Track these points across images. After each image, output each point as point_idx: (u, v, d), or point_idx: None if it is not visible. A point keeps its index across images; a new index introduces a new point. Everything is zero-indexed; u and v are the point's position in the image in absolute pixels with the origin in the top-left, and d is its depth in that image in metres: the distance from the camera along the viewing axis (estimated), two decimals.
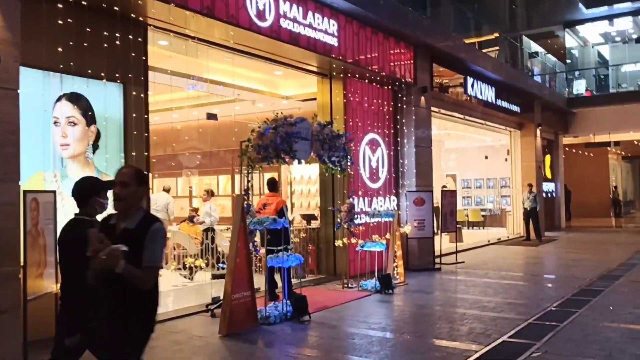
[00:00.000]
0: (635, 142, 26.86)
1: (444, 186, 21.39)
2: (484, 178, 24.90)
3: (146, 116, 7.57)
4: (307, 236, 10.97)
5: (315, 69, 10.72)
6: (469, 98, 15.29)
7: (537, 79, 23.60)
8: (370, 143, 11.57)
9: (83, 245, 3.08)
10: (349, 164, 9.58)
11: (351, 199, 9.81)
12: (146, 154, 7.51)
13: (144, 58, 7.62)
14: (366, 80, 11.46)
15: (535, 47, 26.83)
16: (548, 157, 23.46)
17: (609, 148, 28.54)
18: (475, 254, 14.97)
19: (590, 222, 25.92)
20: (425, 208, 12.07)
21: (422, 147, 12.59)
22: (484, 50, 18.20)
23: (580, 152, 29.46)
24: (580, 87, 25.64)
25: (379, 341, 6.41)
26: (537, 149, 20.16)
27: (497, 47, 22.94)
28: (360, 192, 11.08)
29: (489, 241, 17.57)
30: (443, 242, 13.52)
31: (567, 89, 25.48)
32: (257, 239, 8.25)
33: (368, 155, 11.51)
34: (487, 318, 7.43)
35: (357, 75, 11.09)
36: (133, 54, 7.42)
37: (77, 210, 3.91)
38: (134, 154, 7.37)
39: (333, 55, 9.90)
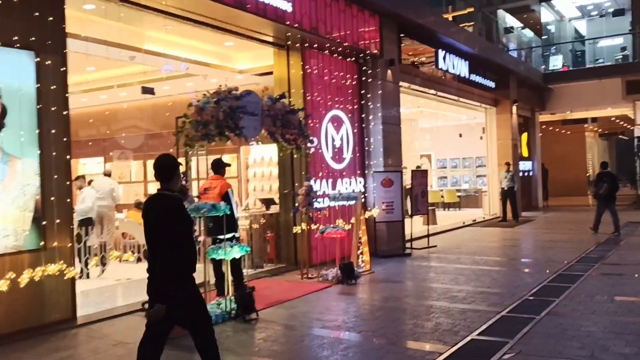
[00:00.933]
0: (613, 119, 26.38)
1: (418, 166, 20.70)
2: (459, 158, 24.27)
3: (65, 90, 6.58)
4: (266, 222, 10.10)
5: (270, 39, 9.77)
6: (441, 73, 14.45)
7: (513, 54, 22.90)
8: (333, 120, 10.69)
9: (169, 218, 3.72)
10: (308, 142, 8.71)
11: (309, 181, 8.94)
12: (65, 137, 6.53)
13: (62, 25, 6.61)
14: (327, 52, 10.55)
15: (511, 21, 26.10)
16: (525, 135, 22.83)
17: (585, 125, 28.10)
18: (449, 237, 14.27)
19: (568, 201, 25.46)
20: (393, 190, 11.27)
21: (390, 125, 11.76)
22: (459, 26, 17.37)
23: (558, 129, 28.98)
24: (556, 62, 25.02)
25: (330, 344, 5.59)
26: (513, 127, 19.47)
27: (472, 23, 22.16)
28: (321, 174, 10.22)
29: (463, 223, 16.90)
30: (416, 225, 12.78)
31: (543, 65, 24.84)
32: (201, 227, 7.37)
33: (331, 134, 10.63)
34: (456, 311, 6.66)
35: (316, 46, 10.17)
36: (50, 19, 6.43)
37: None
38: (53, 131, 6.40)
39: (287, 23, 8.95)
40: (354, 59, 11.25)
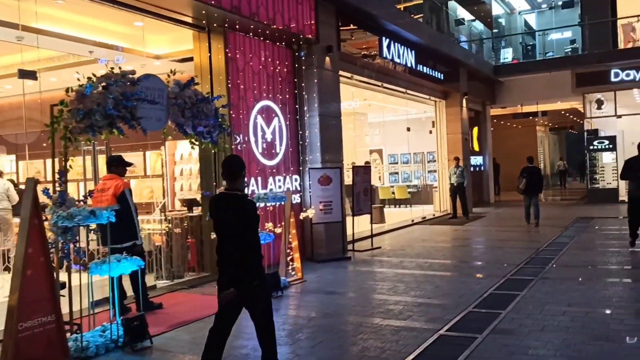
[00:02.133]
0: (563, 112, 26.20)
1: (367, 162, 19.88)
2: (410, 153, 23.61)
3: None
4: (188, 226, 9.00)
5: (189, 20, 8.65)
6: (388, 63, 13.56)
7: (464, 46, 22.31)
8: (263, 111, 9.66)
9: (245, 216, 4.12)
10: (230, 136, 7.66)
11: None
12: None
13: None
14: (255, 36, 9.49)
15: (462, 13, 25.55)
16: (476, 130, 22.30)
17: (536, 119, 27.90)
18: (395, 237, 13.44)
19: (520, 196, 24.98)
20: (332, 187, 10.32)
21: (328, 117, 10.80)
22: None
23: (509, 123, 28.73)
24: (507, 55, 24.60)
25: None
26: (464, 120, 18.84)
27: (422, 15, 21.47)
28: (250, 171, 9.18)
29: (412, 221, 16.13)
30: (363, 225, 11.91)
31: (494, 58, 24.36)
32: (92, 238, 6.23)
33: (261, 127, 9.60)
34: (389, 330, 5.74)
35: (242, 29, 9.11)
36: None
37: None
38: None
39: (204, 0, 7.86)
40: (287, 44, 10.22)
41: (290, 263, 8.54)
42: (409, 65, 14.37)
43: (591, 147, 20.27)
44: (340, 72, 12.16)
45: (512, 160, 28.14)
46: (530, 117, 26.05)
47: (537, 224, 14.31)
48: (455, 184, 16.87)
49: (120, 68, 6.14)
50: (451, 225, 15.43)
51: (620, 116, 20.48)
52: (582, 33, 23.45)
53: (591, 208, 18.45)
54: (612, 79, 19.59)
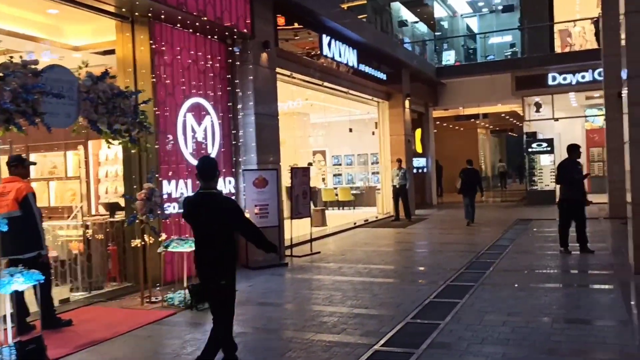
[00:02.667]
0: (503, 115, 26.61)
1: (310, 163, 19.47)
2: (354, 154, 23.40)
3: None
4: (109, 233, 8.29)
5: (110, 8, 7.95)
6: (328, 61, 13.16)
7: (408, 47, 22.25)
8: (193, 109, 9.04)
9: (228, 214, 4.36)
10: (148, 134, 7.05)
11: (151, 182, 7.24)
12: None
13: None
14: (184, 28, 8.87)
15: (405, 15, 25.58)
16: (419, 131, 22.27)
17: (477, 122, 28.24)
18: (336, 240, 13.06)
19: (461, 198, 25.22)
20: (268, 190, 9.80)
21: (265, 116, 10.28)
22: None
23: (451, 125, 28.96)
24: (449, 58, 24.75)
25: None
26: (406, 121, 18.69)
27: (365, 15, 21.28)
28: (178, 173, 8.55)
29: (354, 223, 15.80)
30: (305, 228, 11.45)
31: (437, 61, 24.45)
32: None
33: (191, 125, 8.98)
34: (320, 347, 5.29)
35: (170, 20, 8.47)
36: None
37: None
38: None
39: None
40: (220, 38, 9.64)
41: None
42: (350, 64, 14.03)
43: (530, 150, 20.54)
44: (279, 70, 11.68)
45: (455, 162, 28.36)
46: (472, 120, 26.30)
47: (469, 222, 15.07)
48: (397, 186, 16.67)
49: (21, 57, 5.48)
50: (393, 228, 15.19)
51: (557, 119, 20.87)
52: (522, 37, 23.86)
53: (530, 210, 18.66)
54: (550, 82, 19.91)
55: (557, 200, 10.10)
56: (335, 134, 23.09)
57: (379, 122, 18.76)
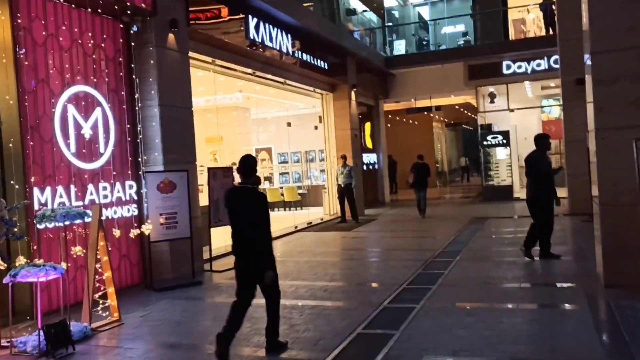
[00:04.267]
0: (457, 107, 25.58)
1: (234, 163, 17.88)
2: (301, 151, 21.95)
3: None
4: None
5: None
6: (259, 47, 11.65)
7: (356, 37, 20.90)
8: (78, 100, 7.40)
9: (262, 206, 4.96)
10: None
11: None
12: None
13: None
14: (65, 1, 7.22)
15: (354, 3, 24.20)
16: (368, 125, 20.96)
17: (431, 114, 27.16)
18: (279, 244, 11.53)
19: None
20: (177, 195, 8.24)
21: (174, 108, 8.71)
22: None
23: (405, 119, 27.81)
24: (399, 48, 23.51)
25: None
26: (353, 115, 17.32)
27: (311, 3, 19.81)
28: (56, 177, 6.91)
29: (296, 227, 14.35)
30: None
31: (388, 52, 23.17)
32: None
33: (75, 119, 7.33)
34: None
35: None
36: None
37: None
38: None
39: None
40: (113, 15, 8.00)
41: (103, 302, 6.38)
42: (284, 50, 12.54)
43: (485, 143, 19.47)
44: (197, 56, 10.16)
45: (410, 157, 27.18)
46: (425, 113, 25.14)
47: (424, 214, 15.56)
48: (342, 185, 15.29)
49: None
50: (338, 232, 13.80)
51: (512, 110, 19.89)
52: (474, 25, 22.87)
53: (486, 206, 17.57)
54: (504, 71, 18.87)
55: (527, 201, 8.55)
56: (282, 130, 21.64)
57: (324, 116, 17.33)
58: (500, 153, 19.31)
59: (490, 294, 6.84)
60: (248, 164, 5.04)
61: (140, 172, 8.28)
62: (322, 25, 14.89)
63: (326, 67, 15.21)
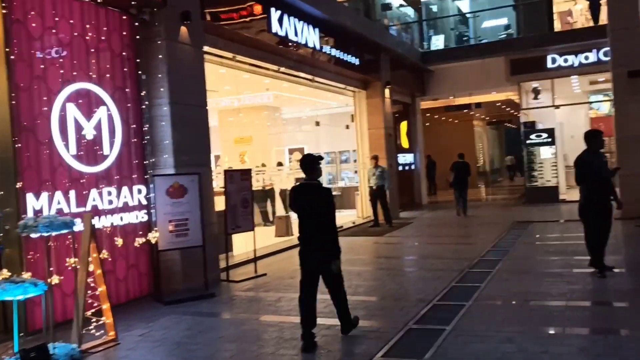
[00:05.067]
0: (498, 104, 24.38)
1: (280, 163, 17.35)
2: (335, 151, 21.22)
3: None
4: None
5: None
6: (280, 41, 11.01)
7: (392, 32, 20.05)
8: (79, 98, 6.88)
9: (329, 200, 5.39)
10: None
11: None
12: None
13: None
14: None
15: None
16: (404, 124, 20.09)
17: (471, 112, 26.05)
18: (295, 255, 10.87)
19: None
20: (188, 200, 7.66)
21: (186, 106, 8.13)
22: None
23: (443, 117, 26.80)
24: (438, 43, 22.51)
25: None
26: (386, 113, 16.49)
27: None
28: (54, 182, 6.40)
29: None
30: (269, 239, 9.36)
31: (424, 47, 22.21)
32: None
33: (75, 119, 6.82)
34: None
35: None
36: None
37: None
38: None
39: None
40: (120, 7, 7.48)
41: (96, 320, 5.81)
42: (310, 45, 11.86)
43: (528, 141, 18.32)
44: (215, 51, 9.60)
45: (449, 157, 26.14)
46: (465, 110, 24.09)
47: (465, 214, 15.60)
48: (374, 187, 14.51)
49: None
50: (369, 237, 13.03)
51: (558, 106, 18.67)
52: (517, 18, 21.65)
53: (530, 209, 16.48)
54: (549, 65, 17.72)
55: (579, 206, 7.41)
56: (314, 129, 21.00)
57: (356, 114, 16.56)
58: (545, 152, 18.13)
59: (532, 314, 5.98)
60: (307, 162, 5.46)
61: (147, 177, 7.72)
62: (353, 19, 14.14)
63: (357, 64, 14.46)
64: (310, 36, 11.81)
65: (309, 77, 13.27)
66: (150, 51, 7.78)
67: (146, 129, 7.70)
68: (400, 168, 18.89)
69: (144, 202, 7.70)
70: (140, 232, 7.53)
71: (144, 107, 7.68)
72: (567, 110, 20.30)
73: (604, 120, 20.90)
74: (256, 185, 16.24)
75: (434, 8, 25.95)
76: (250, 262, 9.44)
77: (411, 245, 11.89)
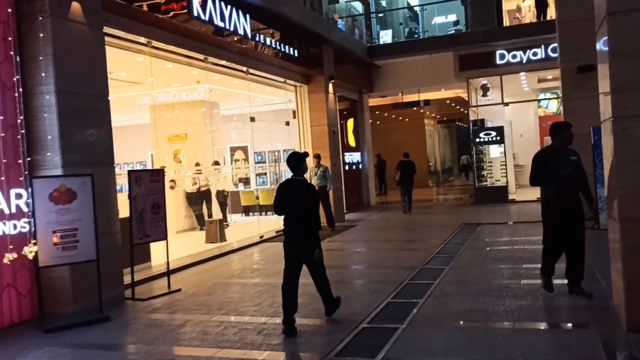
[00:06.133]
0: (447, 102, 23.84)
1: (217, 162, 16.18)
2: (280, 150, 20.19)
3: None
4: None
5: None
6: (204, 26, 9.89)
7: (340, 27, 19.12)
8: None
9: (313, 195, 5.87)
10: None
11: None
12: None
13: None
14: None
15: None
16: (351, 122, 19.23)
17: (422, 110, 25.47)
18: (222, 265, 9.81)
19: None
20: (77, 207, 6.45)
21: (80, 95, 6.92)
22: None
23: (394, 116, 26.15)
24: (386, 39, 21.76)
25: None
26: (330, 109, 15.55)
27: None
28: None
29: (261, 237, 12.59)
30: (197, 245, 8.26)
31: (373, 42, 21.41)
32: None
33: None
34: None
35: None
36: None
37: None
38: None
39: None
40: None
41: None
42: (240, 33, 10.75)
43: (477, 140, 17.70)
44: (124, 34, 8.39)
45: (400, 156, 25.68)
46: (415, 108, 23.41)
47: (410, 212, 16.01)
48: (316, 188, 13.51)
49: None
50: None
51: (507, 104, 18.14)
52: (466, 13, 21.08)
53: (479, 210, 15.85)
54: (498, 61, 17.14)
55: (541, 208, 6.33)
56: (258, 127, 19.92)
57: (298, 110, 15.56)
58: (494, 151, 17.55)
59: (474, 338, 5.08)
60: (291, 160, 5.86)
61: (23, 179, 6.48)
62: (291, 8, 13.10)
63: (297, 56, 13.44)
64: (240, 23, 10.71)
65: (242, 69, 12.17)
66: (31, 30, 6.54)
67: (21, 121, 6.42)
68: (347, 168, 18.03)
69: (25, 208, 6.46)
70: (19, 245, 6.28)
71: (17, 94, 6.40)
72: (516, 109, 19.87)
73: (552, 119, 20.53)
74: (191, 187, 15.08)
75: (383, 2, 25.26)
76: (163, 275, 8.29)
77: (351, 252, 10.97)
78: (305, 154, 5.99)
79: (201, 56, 10.58)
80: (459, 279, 7.49)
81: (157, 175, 7.94)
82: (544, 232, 6.38)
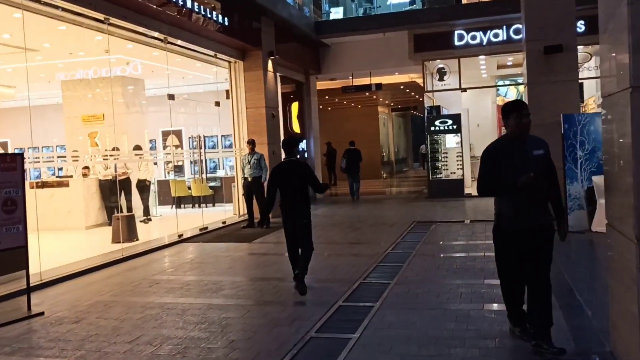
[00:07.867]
0: (401, 87, 22.35)
1: (138, 146, 14.09)
2: (218, 135, 18.34)
3: None
4: None
5: None
6: None
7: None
8: None
9: (309, 174, 6.56)
10: None
11: None
12: None
13: None
14: None
15: None
16: (296, 105, 17.47)
17: (375, 97, 23.92)
18: (114, 275, 7.91)
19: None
20: None
21: None
22: None
23: (346, 102, 24.54)
24: (337, 15, 19.99)
25: None
26: (269, 89, 13.74)
27: None
28: None
29: (180, 236, 10.73)
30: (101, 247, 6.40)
31: (321, 18, 19.63)
32: None
33: None
34: None
35: None
36: None
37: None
38: None
39: None
40: None
41: None
42: None
43: (432, 129, 16.22)
44: None
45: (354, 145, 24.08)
46: (367, 93, 21.83)
47: (357, 197, 16.80)
48: (249, 179, 11.76)
49: None
50: (235, 242, 10.29)
51: (465, 89, 16.74)
52: None
53: (433, 205, 14.40)
54: (456, 42, 15.71)
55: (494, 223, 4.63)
56: (193, 109, 18.00)
57: (232, 90, 13.69)
58: (450, 141, 16.12)
59: None
60: (290, 143, 6.69)
61: None
62: None
63: (226, 24, 11.55)
64: None
65: (159, 36, 10.22)
66: None
67: None
68: None
69: None
70: None
71: None
72: (474, 97, 18.55)
73: None
74: (103, 171, 13.03)
75: None
76: (28, 292, 6.39)
77: (280, 259, 9.18)
78: (302, 138, 5.92)
79: (100, 15, 8.59)
80: (405, 301, 5.86)
81: (12, 161, 5.97)
82: (496, 264, 4.70)
